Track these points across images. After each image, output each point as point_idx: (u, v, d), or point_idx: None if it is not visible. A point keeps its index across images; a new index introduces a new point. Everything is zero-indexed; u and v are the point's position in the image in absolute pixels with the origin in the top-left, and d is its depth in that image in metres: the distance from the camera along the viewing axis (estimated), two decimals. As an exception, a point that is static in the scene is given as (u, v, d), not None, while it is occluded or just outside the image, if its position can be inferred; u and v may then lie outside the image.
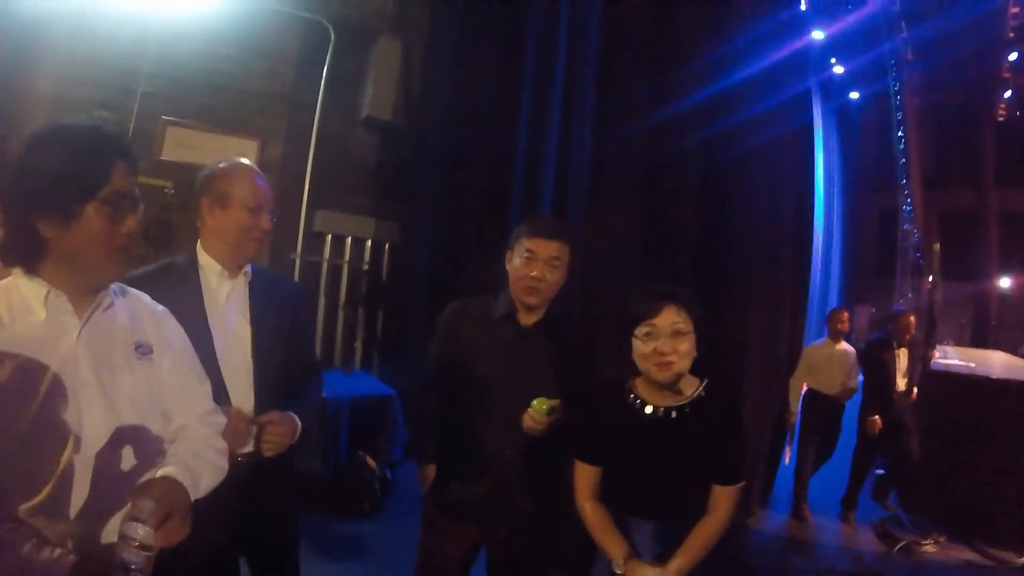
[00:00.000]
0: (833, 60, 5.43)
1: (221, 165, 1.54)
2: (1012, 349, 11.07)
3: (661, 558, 1.41)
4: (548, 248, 1.58)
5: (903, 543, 3.65)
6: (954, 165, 14.30)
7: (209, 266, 1.52)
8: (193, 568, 1.45)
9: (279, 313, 1.60)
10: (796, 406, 3.96)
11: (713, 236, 3.21)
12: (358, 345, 4.24)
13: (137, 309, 1.13)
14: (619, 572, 1.39)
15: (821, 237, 4.40)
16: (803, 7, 4.58)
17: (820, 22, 5.18)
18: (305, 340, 1.77)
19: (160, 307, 1.19)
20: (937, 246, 6.82)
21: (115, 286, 1.10)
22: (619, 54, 3.31)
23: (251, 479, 1.48)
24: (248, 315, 1.54)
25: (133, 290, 1.16)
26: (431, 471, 1.72)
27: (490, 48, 3.82)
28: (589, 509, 1.48)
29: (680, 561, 1.37)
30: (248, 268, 1.57)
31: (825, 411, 4.00)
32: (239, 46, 3.62)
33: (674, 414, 1.41)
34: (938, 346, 6.25)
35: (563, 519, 1.69)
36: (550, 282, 1.59)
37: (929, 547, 3.67)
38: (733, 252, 3.21)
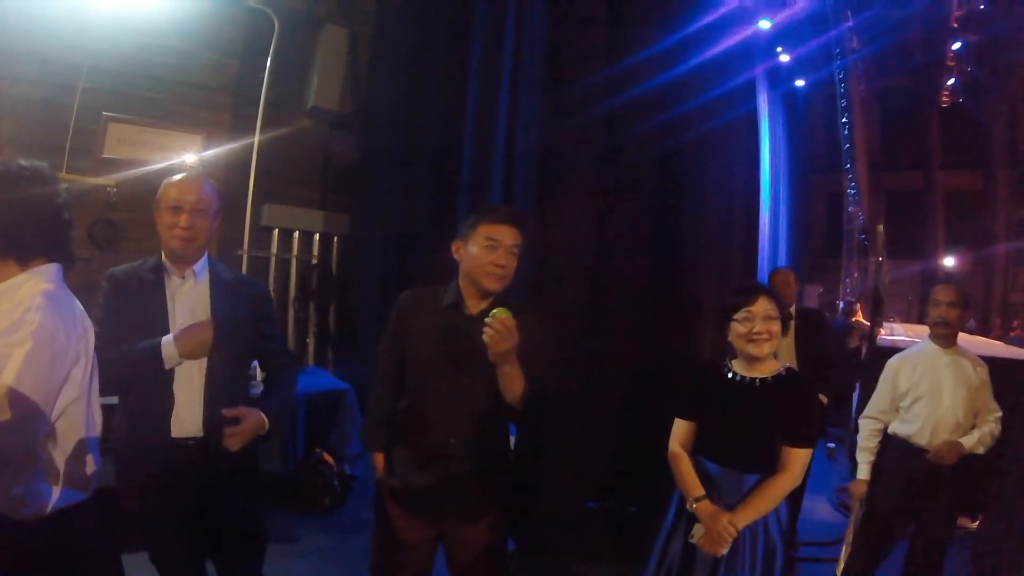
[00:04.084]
0: (780, 49, 5.57)
1: (172, 177, 1.71)
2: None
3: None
4: (510, 235, 1.60)
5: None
6: (901, 148, 14.86)
7: (167, 267, 1.70)
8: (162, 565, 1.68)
9: (237, 312, 1.74)
10: (866, 469, 2.55)
11: (661, 223, 3.26)
12: (310, 341, 4.19)
13: None
14: (691, 508, 1.70)
15: (769, 219, 4.54)
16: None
17: (767, 12, 5.29)
18: (273, 334, 1.90)
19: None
20: (881, 227, 7.09)
21: None
22: (567, 44, 3.32)
23: (213, 474, 1.62)
24: (205, 312, 1.69)
25: None
26: (381, 459, 1.73)
27: (438, 36, 3.78)
28: (677, 456, 1.80)
29: (744, 511, 1.64)
30: (198, 267, 1.72)
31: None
32: (182, 37, 3.50)
33: (758, 383, 1.74)
34: (885, 323, 6.52)
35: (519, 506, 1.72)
36: (511, 269, 1.61)
37: None
38: (682, 238, 3.27)
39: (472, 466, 1.62)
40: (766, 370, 1.76)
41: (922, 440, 2.43)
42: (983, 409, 2.41)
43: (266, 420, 1.67)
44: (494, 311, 1.46)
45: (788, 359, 3.36)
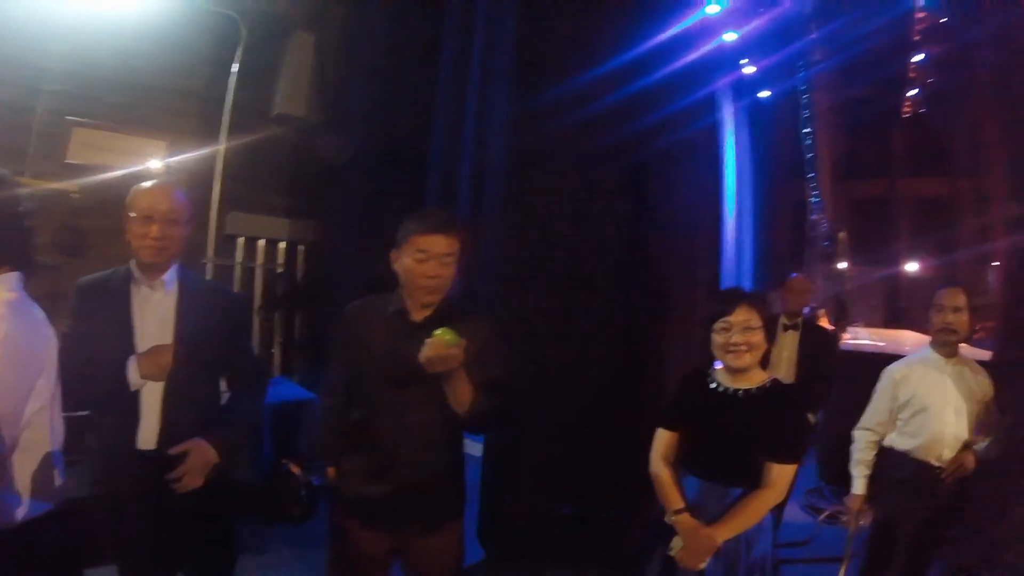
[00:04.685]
0: (746, 60, 5.70)
1: (142, 184, 1.70)
2: (923, 328, 11.96)
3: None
4: (440, 244, 1.56)
5: (827, 513, 3.85)
6: (865, 157, 15.29)
7: (136, 276, 1.69)
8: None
9: (207, 321, 1.72)
10: (862, 483, 2.43)
11: (628, 232, 3.30)
12: (276, 350, 4.13)
13: None
14: (669, 521, 1.66)
15: (735, 227, 4.63)
16: (717, 11, 4.76)
17: (734, 24, 5.40)
18: (242, 346, 1.90)
19: None
20: (843, 235, 7.25)
21: None
22: (536, 51, 3.35)
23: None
24: (172, 322, 1.67)
25: None
26: (333, 472, 1.71)
27: (407, 44, 3.79)
28: (659, 467, 1.76)
29: (724, 526, 1.59)
30: (168, 276, 1.71)
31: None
32: (149, 41, 3.46)
33: (741, 394, 1.68)
34: (850, 327, 6.69)
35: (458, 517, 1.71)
36: (445, 279, 1.58)
37: None
38: (649, 246, 3.32)
39: (425, 475, 1.60)
40: (751, 381, 1.70)
41: (924, 455, 2.27)
42: (990, 421, 2.26)
43: (214, 452, 1.62)
44: (435, 332, 1.43)
45: (787, 372, 3.27)
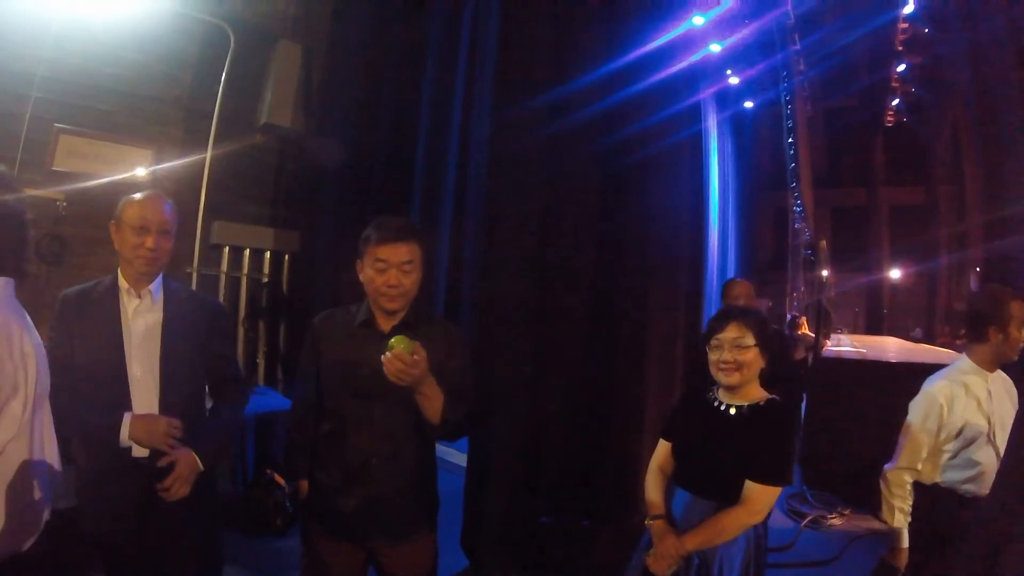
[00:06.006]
0: (729, 71, 5.80)
1: (132, 195, 1.71)
2: (904, 334, 12.15)
3: None
4: (398, 253, 1.55)
5: (810, 518, 3.88)
6: (847, 166, 15.54)
7: (123, 286, 1.71)
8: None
9: (192, 330, 1.76)
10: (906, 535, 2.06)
11: (611, 239, 3.33)
12: (260, 360, 4.12)
13: None
14: (647, 524, 1.73)
15: (718, 235, 4.70)
16: (702, 23, 4.84)
17: (717, 35, 5.50)
18: (226, 354, 1.92)
19: None
20: (824, 243, 7.34)
21: None
22: (520, 62, 3.38)
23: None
24: (159, 331, 1.70)
25: None
26: (305, 485, 1.71)
27: (392, 55, 3.81)
28: (650, 475, 1.82)
29: (693, 536, 1.61)
30: (154, 286, 1.73)
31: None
32: (136, 50, 3.44)
33: (733, 411, 1.69)
34: (832, 334, 6.78)
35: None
36: (407, 285, 1.58)
37: (835, 520, 3.91)
38: (631, 254, 3.35)
39: (396, 485, 1.60)
40: (745, 399, 1.70)
41: (976, 488, 1.93)
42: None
43: (199, 461, 1.66)
44: (390, 343, 1.40)
45: None
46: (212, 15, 3.72)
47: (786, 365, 4.17)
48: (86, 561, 1.55)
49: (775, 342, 3.50)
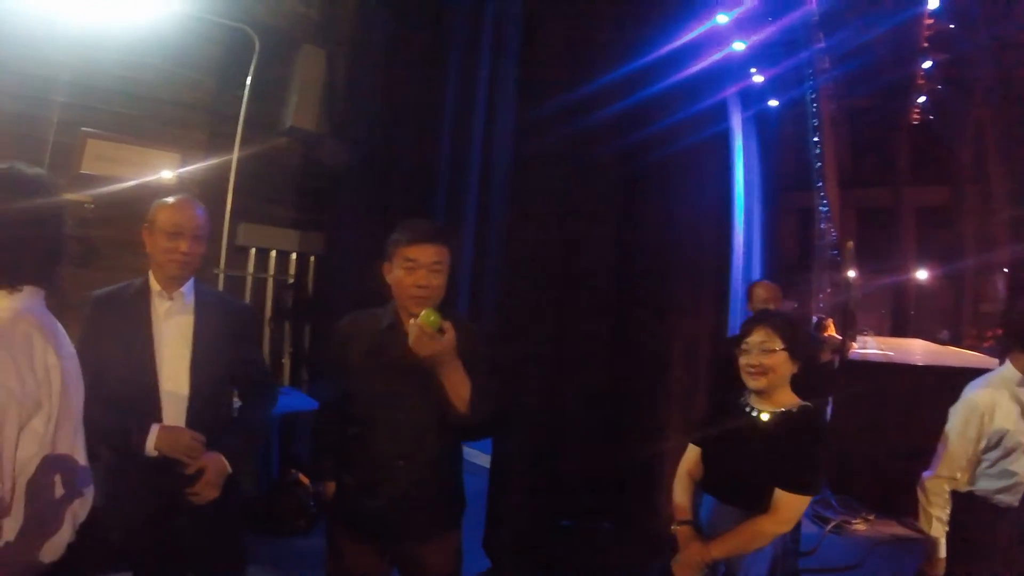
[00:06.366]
0: (753, 70, 5.72)
1: (164, 198, 1.74)
2: (931, 336, 11.90)
3: None
4: (428, 254, 1.57)
5: (834, 523, 3.84)
6: (872, 165, 15.26)
7: (154, 288, 1.73)
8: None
9: (221, 333, 1.77)
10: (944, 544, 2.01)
11: (634, 239, 3.30)
12: (286, 361, 4.15)
13: None
14: (672, 531, 1.71)
15: (742, 237, 4.63)
16: (725, 20, 4.79)
17: (741, 33, 5.42)
18: (254, 357, 1.94)
19: None
20: (850, 243, 7.22)
21: None
22: (542, 63, 3.37)
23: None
24: (190, 334, 1.72)
25: None
26: (331, 487, 1.73)
27: (414, 58, 3.82)
28: (678, 479, 1.82)
29: (720, 544, 1.59)
30: (186, 289, 1.75)
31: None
32: (161, 55, 3.50)
33: (765, 417, 1.67)
34: (858, 337, 6.67)
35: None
36: (435, 287, 1.58)
37: (859, 525, 3.87)
38: (654, 254, 3.32)
39: (421, 487, 1.61)
40: (776, 405, 1.68)
41: (1010, 498, 1.92)
42: None
43: (227, 464, 1.69)
44: (421, 313, 1.43)
45: None
46: (236, 20, 3.76)
47: (814, 368, 4.08)
48: (109, 560, 1.55)
49: (809, 347, 3.47)
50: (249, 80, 3.83)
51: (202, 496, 1.62)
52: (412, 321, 1.43)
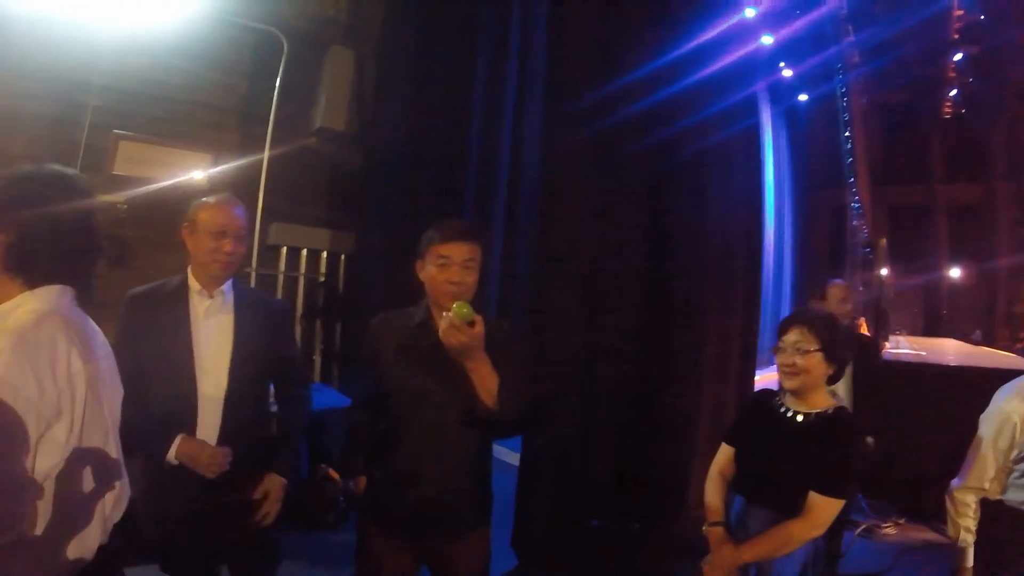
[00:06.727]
0: (782, 64, 5.63)
1: (204, 198, 1.76)
2: (964, 336, 11.59)
3: None
4: (461, 251, 1.57)
5: (864, 527, 3.77)
6: (903, 162, 14.89)
7: (193, 286, 1.74)
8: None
9: (260, 331, 1.80)
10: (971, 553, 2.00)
11: (665, 235, 3.27)
12: (317, 358, 4.21)
13: None
14: (704, 531, 1.70)
15: (773, 234, 4.55)
16: (753, 14, 4.72)
17: (769, 28, 5.34)
18: (291, 356, 1.96)
19: None
20: (884, 241, 7.06)
21: None
22: (570, 60, 3.35)
23: (228, 491, 1.67)
24: (231, 332, 1.74)
25: None
26: (362, 482, 1.74)
27: (443, 58, 3.84)
28: (711, 480, 1.80)
29: (751, 547, 1.58)
30: (225, 288, 1.77)
31: None
32: (191, 58, 3.56)
33: (800, 418, 1.65)
34: (891, 336, 6.52)
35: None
36: (468, 284, 1.59)
37: (889, 529, 3.80)
38: (685, 251, 3.28)
39: (451, 484, 1.61)
40: (812, 406, 1.65)
41: None
42: None
43: (285, 482, 1.77)
44: (453, 306, 1.43)
45: (844, 393, 2.96)
46: (265, 23, 3.81)
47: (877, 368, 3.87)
48: (141, 554, 1.58)
49: (850, 349, 3.28)
50: (278, 82, 3.88)
51: (269, 518, 1.70)
52: (444, 314, 1.45)
